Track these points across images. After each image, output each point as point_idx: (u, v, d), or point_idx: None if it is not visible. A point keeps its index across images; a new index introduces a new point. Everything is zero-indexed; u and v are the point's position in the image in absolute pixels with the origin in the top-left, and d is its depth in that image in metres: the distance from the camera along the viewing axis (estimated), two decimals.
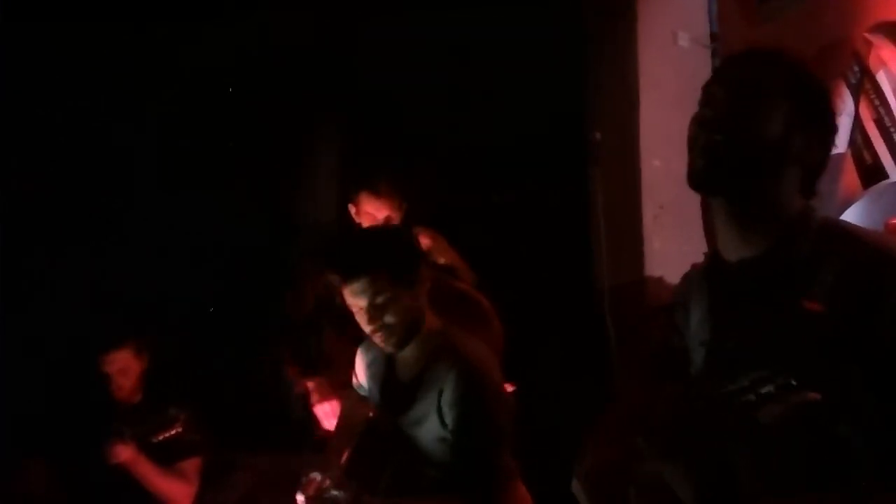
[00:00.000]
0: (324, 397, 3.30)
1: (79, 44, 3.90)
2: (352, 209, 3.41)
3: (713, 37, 3.85)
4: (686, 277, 1.59)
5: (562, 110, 4.14)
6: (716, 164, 1.38)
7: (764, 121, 1.38)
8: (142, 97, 4.07)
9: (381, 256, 2.22)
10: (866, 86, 2.70)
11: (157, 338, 3.56)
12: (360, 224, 3.38)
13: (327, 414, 3.32)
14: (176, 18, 3.98)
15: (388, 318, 2.20)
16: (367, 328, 2.25)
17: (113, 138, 4.08)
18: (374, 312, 2.20)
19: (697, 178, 1.41)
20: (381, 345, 2.28)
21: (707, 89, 1.44)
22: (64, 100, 3.93)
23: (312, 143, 4.38)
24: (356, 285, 2.19)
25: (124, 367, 3.45)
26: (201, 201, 4.07)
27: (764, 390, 1.18)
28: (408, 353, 2.30)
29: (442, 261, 3.35)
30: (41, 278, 3.85)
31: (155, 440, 3.26)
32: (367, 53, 4.18)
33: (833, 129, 1.46)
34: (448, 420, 2.18)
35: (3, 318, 3.63)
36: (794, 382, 1.17)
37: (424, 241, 3.33)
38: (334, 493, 2.17)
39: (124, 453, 3.18)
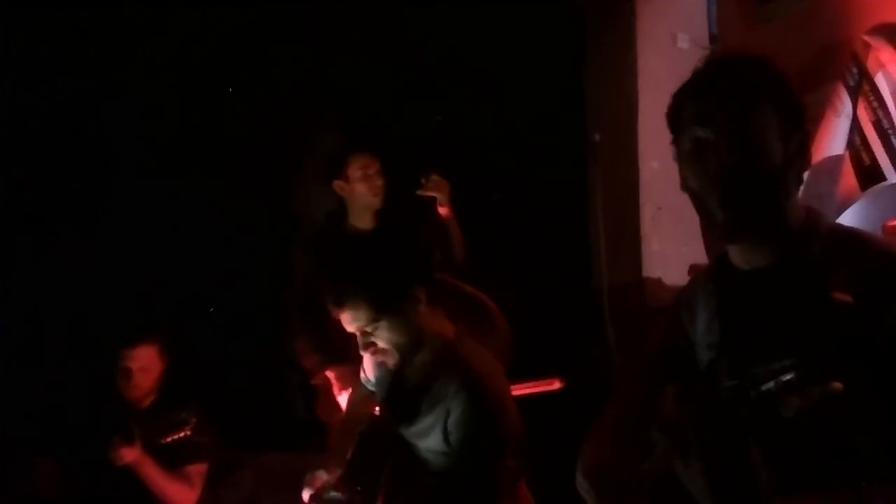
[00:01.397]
0: (346, 386, 3.28)
1: (68, 36, 3.90)
2: (338, 185, 3.37)
3: (712, 38, 3.87)
4: (692, 279, 1.59)
5: (561, 111, 4.15)
6: (745, 213, 1.34)
7: (765, 147, 1.34)
8: (142, 94, 4.06)
9: (365, 287, 2.21)
10: (865, 88, 2.71)
11: (177, 337, 3.51)
12: (349, 194, 3.36)
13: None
14: (171, 7, 3.98)
15: (380, 343, 2.23)
16: (361, 352, 2.28)
17: (111, 135, 4.08)
18: (363, 338, 2.23)
19: (733, 234, 1.37)
20: (383, 364, 2.31)
21: (695, 133, 1.37)
22: (61, 98, 3.92)
23: (313, 138, 4.37)
24: (344, 315, 2.24)
25: (146, 366, 3.35)
26: (203, 201, 4.07)
27: (785, 378, 1.18)
28: (417, 360, 2.28)
29: (443, 212, 3.36)
30: (43, 277, 3.83)
31: (163, 442, 3.23)
32: (366, 52, 4.18)
33: (804, 114, 1.41)
34: (453, 439, 2.17)
35: (10, 315, 3.60)
36: (816, 371, 1.16)
37: (434, 188, 3.36)
38: (333, 494, 2.19)
39: (129, 455, 3.15)
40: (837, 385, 1.15)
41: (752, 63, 1.40)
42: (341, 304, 2.22)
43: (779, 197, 1.36)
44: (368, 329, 2.21)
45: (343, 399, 3.24)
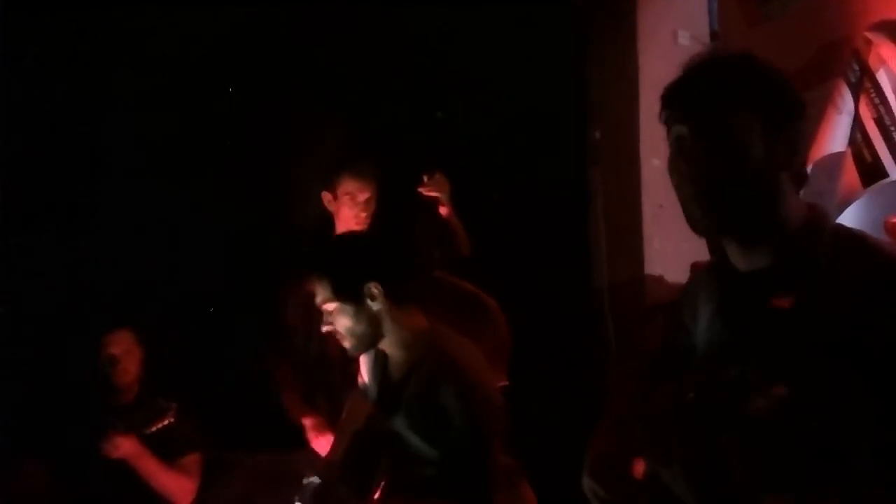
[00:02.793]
0: (321, 433, 3.26)
1: (66, 34, 3.89)
2: (326, 197, 3.35)
3: (713, 35, 3.86)
4: (694, 276, 1.59)
5: (562, 109, 4.15)
6: (711, 210, 1.35)
7: (741, 147, 1.33)
8: (138, 94, 4.05)
9: (326, 267, 2.33)
10: (866, 84, 2.69)
11: (151, 329, 3.51)
12: (335, 211, 3.34)
13: (325, 449, 3.30)
14: (169, 6, 3.97)
15: (337, 325, 2.32)
16: (323, 328, 2.38)
17: (109, 135, 4.07)
18: (325, 316, 2.34)
19: (700, 227, 1.38)
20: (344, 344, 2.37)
21: (673, 134, 1.39)
22: (58, 98, 3.91)
23: (312, 139, 4.37)
24: (315, 287, 2.34)
25: (129, 349, 3.37)
26: (191, 194, 4.05)
27: (746, 379, 1.18)
28: (396, 354, 2.34)
29: (444, 211, 3.35)
30: (32, 277, 3.82)
31: (148, 432, 3.23)
32: (367, 51, 4.17)
33: (803, 111, 1.40)
34: (437, 424, 2.20)
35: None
36: (769, 380, 1.16)
37: (435, 186, 3.34)
38: (311, 479, 2.23)
39: (125, 446, 3.13)
40: (779, 390, 1.15)
41: (735, 62, 1.40)
42: (311, 277, 2.36)
43: (759, 195, 1.35)
44: (327, 307, 2.31)
45: (318, 445, 3.23)
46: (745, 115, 1.34)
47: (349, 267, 2.32)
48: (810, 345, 1.28)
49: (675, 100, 1.39)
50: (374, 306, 2.28)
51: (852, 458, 1.23)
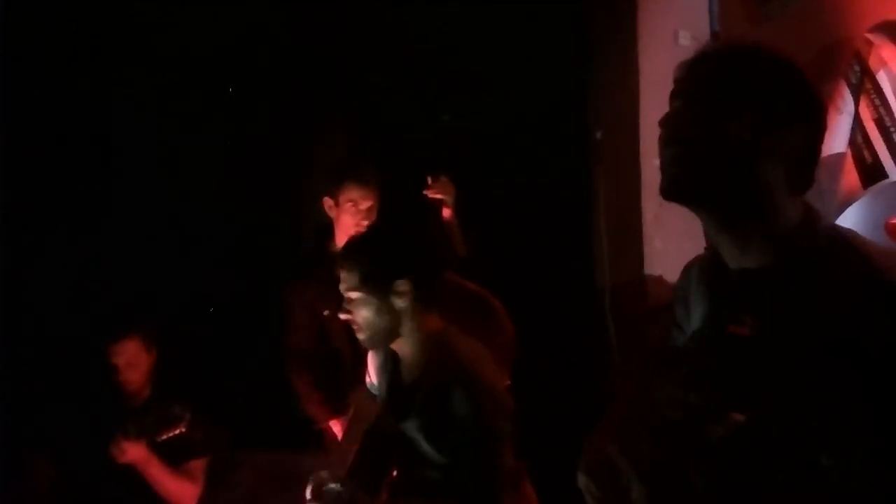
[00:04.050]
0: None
1: (73, 33, 3.90)
2: (328, 202, 3.35)
3: (714, 36, 3.86)
4: (686, 271, 1.57)
5: (563, 109, 4.15)
6: (676, 175, 1.35)
7: (722, 125, 1.33)
8: (147, 93, 4.07)
9: (360, 256, 2.29)
10: (867, 85, 2.70)
11: (163, 331, 3.51)
12: (336, 217, 3.34)
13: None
14: (167, 6, 3.98)
15: (357, 316, 2.27)
16: (340, 315, 2.33)
17: (113, 132, 4.08)
18: (346, 303, 2.29)
19: (662, 190, 1.38)
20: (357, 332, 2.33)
21: (669, 101, 1.41)
22: (65, 96, 3.92)
23: (315, 139, 4.38)
24: (341, 273, 2.29)
25: (132, 360, 3.36)
26: (202, 196, 4.06)
27: (706, 406, 1.17)
28: (409, 356, 2.32)
29: (447, 214, 3.33)
30: (38, 273, 3.83)
31: (159, 439, 3.24)
32: (368, 53, 4.18)
33: (817, 117, 1.39)
34: (447, 427, 2.19)
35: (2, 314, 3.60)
36: (737, 400, 1.15)
37: (441, 189, 3.32)
38: (332, 486, 2.21)
39: (132, 451, 3.15)
40: (738, 417, 1.14)
41: (741, 51, 1.41)
42: (341, 264, 2.30)
43: (735, 181, 1.33)
44: (351, 296, 2.26)
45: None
46: (739, 94, 1.34)
47: (383, 260, 2.27)
48: (800, 356, 1.25)
49: (675, 78, 1.41)
50: (399, 304, 2.24)
51: (834, 483, 1.18)
